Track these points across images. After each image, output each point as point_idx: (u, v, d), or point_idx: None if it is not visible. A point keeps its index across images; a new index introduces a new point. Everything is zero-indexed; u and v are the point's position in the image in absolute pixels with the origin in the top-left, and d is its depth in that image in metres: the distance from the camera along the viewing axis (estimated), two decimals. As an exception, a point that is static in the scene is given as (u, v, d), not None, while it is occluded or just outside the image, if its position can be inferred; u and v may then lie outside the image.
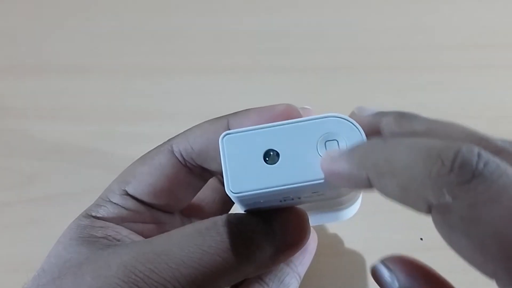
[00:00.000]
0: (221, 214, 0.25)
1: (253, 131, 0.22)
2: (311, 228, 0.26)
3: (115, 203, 0.26)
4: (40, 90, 0.51)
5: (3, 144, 0.49)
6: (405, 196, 0.18)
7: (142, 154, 0.28)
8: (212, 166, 0.26)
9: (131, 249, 0.23)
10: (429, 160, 0.17)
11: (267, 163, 0.21)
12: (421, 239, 0.44)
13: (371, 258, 0.34)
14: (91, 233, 0.25)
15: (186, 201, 0.27)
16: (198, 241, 0.22)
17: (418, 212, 0.18)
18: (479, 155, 0.16)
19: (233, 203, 0.29)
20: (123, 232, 0.25)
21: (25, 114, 0.50)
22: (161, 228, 0.27)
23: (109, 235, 0.25)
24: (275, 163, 0.21)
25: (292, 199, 0.23)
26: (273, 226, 0.23)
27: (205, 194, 0.29)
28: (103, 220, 0.25)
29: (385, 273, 0.21)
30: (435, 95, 0.50)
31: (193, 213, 0.29)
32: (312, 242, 0.28)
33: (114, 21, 0.55)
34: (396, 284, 0.21)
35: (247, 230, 0.23)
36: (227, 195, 0.24)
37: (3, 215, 0.44)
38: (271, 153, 0.21)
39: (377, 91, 0.49)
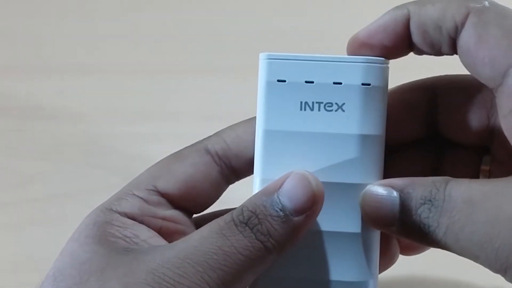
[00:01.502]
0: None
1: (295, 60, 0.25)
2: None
3: (139, 196, 0.26)
4: (40, 90, 0.51)
5: (3, 144, 0.49)
6: (447, 9, 0.23)
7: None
8: (244, 167, 0.27)
9: (154, 256, 0.23)
10: None
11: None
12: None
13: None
14: (108, 231, 0.24)
15: (210, 203, 0.28)
16: (218, 242, 0.23)
17: (451, 23, 0.23)
18: None
19: None
20: (142, 236, 0.25)
21: (25, 114, 0.50)
22: (179, 227, 0.27)
23: (128, 237, 0.25)
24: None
25: (312, 108, 0.25)
26: (282, 202, 0.23)
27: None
28: (123, 216, 0.25)
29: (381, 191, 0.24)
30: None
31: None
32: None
33: (114, 21, 0.55)
34: (396, 196, 0.23)
35: (258, 221, 0.23)
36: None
37: (3, 215, 0.44)
38: None
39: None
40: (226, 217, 0.23)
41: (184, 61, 0.52)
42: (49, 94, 0.51)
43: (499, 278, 0.21)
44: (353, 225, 0.25)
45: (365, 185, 0.25)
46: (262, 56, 0.25)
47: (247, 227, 0.23)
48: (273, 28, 0.54)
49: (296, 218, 0.23)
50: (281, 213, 0.23)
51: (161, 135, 0.48)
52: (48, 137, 0.49)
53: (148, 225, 0.26)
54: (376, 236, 0.26)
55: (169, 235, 0.26)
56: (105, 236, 0.24)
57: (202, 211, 0.28)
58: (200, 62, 0.52)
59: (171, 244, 0.24)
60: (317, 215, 0.24)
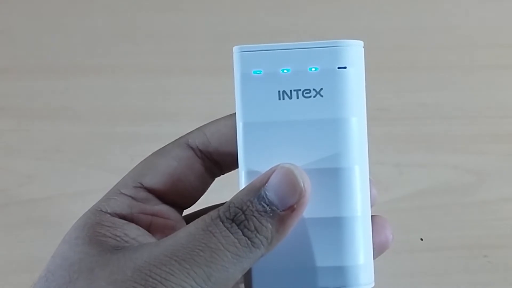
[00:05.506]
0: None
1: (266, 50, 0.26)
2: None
3: (126, 194, 0.26)
4: (40, 90, 0.51)
5: (3, 144, 0.49)
6: None
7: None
8: (225, 160, 0.27)
9: (141, 253, 0.23)
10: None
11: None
12: (421, 239, 0.44)
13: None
14: (98, 232, 0.25)
15: (197, 196, 0.28)
16: (204, 239, 0.23)
17: None
18: None
19: None
20: (131, 234, 0.25)
21: (25, 114, 0.50)
22: (169, 222, 0.27)
23: (117, 236, 0.25)
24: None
25: (290, 96, 0.25)
26: (268, 197, 0.23)
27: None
28: (113, 215, 0.26)
29: None
30: (435, 95, 0.50)
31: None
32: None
33: (113, 21, 0.55)
34: None
35: (245, 217, 0.23)
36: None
37: (3, 215, 0.44)
38: None
39: (377, 91, 0.49)
40: (213, 213, 0.23)
41: (184, 61, 0.52)
42: (49, 94, 0.51)
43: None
44: (342, 210, 0.25)
45: (352, 168, 0.25)
46: (235, 49, 0.25)
47: (233, 224, 0.23)
48: (273, 28, 0.54)
49: (283, 213, 0.23)
50: (267, 208, 0.23)
51: (161, 135, 0.47)
52: (48, 137, 0.49)
53: (138, 222, 0.26)
54: (367, 219, 0.25)
55: (159, 231, 0.26)
56: (95, 236, 0.24)
57: (191, 205, 0.28)
58: (200, 62, 0.52)
59: (158, 241, 0.24)
60: (304, 208, 0.24)
